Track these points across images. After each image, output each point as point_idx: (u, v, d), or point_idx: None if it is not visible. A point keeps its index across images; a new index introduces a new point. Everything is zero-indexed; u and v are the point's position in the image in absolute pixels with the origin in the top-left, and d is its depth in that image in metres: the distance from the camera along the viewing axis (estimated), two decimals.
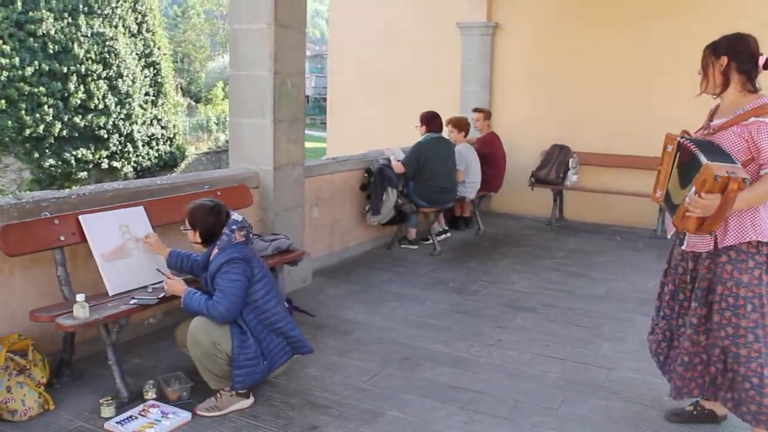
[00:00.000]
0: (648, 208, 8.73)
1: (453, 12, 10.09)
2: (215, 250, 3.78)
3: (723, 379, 3.31)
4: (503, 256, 7.36)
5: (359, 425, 3.58)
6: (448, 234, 8.18)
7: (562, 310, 5.58)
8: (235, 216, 3.84)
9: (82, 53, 22.93)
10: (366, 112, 11.23)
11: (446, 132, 8.04)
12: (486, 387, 4.08)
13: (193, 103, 38.42)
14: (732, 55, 3.19)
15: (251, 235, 3.88)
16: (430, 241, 7.48)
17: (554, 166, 9.06)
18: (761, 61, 3.17)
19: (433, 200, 7.36)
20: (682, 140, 3.19)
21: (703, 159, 2.97)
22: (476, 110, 9.03)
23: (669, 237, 3.54)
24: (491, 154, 8.76)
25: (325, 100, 12.69)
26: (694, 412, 3.68)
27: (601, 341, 4.89)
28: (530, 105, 9.71)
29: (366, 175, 7.18)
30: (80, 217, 3.97)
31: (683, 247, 3.35)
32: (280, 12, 5.36)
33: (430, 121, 7.43)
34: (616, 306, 5.70)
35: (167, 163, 27.13)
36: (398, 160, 7.25)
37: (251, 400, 3.76)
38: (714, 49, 3.25)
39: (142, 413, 3.57)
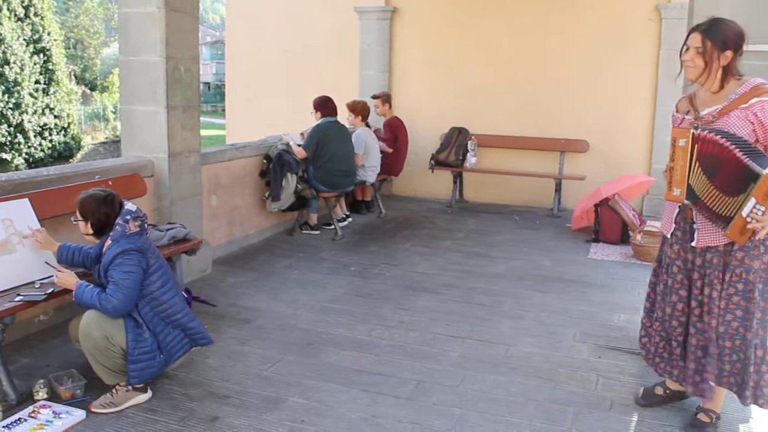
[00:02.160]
0: (545, 188, 9.00)
1: None
2: (108, 242, 3.66)
3: (727, 364, 3.30)
4: (405, 239, 7.43)
5: (261, 413, 3.55)
6: (350, 219, 8.20)
7: (463, 290, 5.68)
8: (129, 206, 3.72)
9: None
10: (265, 98, 11.10)
11: (344, 117, 8.03)
12: (388, 369, 4.12)
13: (89, 91, 37.17)
14: (736, 49, 3.13)
15: (146, 225, 3.77)
16: (332, 227, 7.47)
17: (453, 148, 9.20)
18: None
19: (333, 184, 7.34)
20: (698, 131, 3.09)
21: (759, 169, 2.92)
22: (374, 97, 9.05)
23: (669, 236, 3.47)
24: (395, 137, 8.82)
25: (225, 86, 12.43)
26: (664, 395, 3.71)
27: (500, 319, 5.01)
28: (429, 88, 9.81)
29: (265, 161, 7.10)
30: None
31: (694, 244, 3.29)
32: None
33: (324, 105, 7.42)
34: (515, 284, 5.85)
35: (62, 154, 26.16)
36: (298, 145, 7.20)
37: (149, 394, 3.67)
38: (722, 43, 3.11)
39: (32, 415, 3.42)
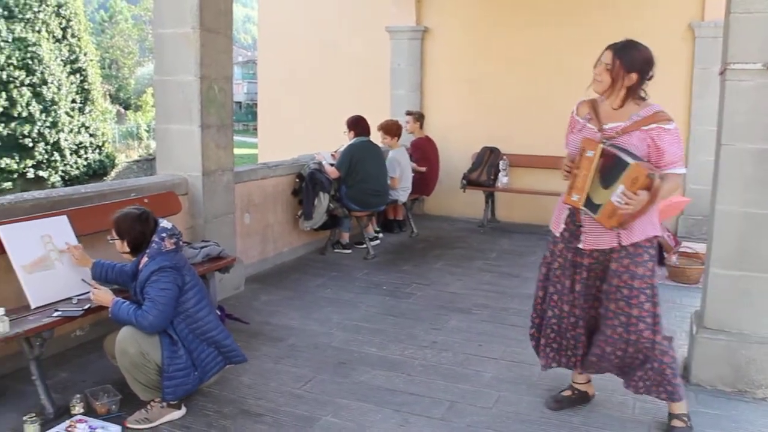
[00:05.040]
0: None
1: (382, 16, 10.11)
2: (145, 259, 3.70)
3: (631, 366, 3.52)
4: (437, 258, 7.41)
5: None
6: (381, 235, 8.21)
7: (496, 310, 5.64)
8: (164, 223, 3.77)
9: (2, 59, 22.22)
10: (297, 118, 11.17)
11: (378, 138, 8.06)
12: (421, 389, 4.10)
13: (123, 110, 37.76)
14: (641, 73, 3.36)
15: (181, 242, 3.81)
16: (364, 245, 7.48)
17: (485, 168, 9.17)
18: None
19: (365, 204, 7.36)
20: (606, 147, 3.31)
21: (629, 159, 3.19)
22: (408, 113, 9.09)
23: (557, 234, 3.65)
24: (424, 157, 8.83)
25: (257, 105, 12.56)
26: (573, 396, 3.91)
27: None
28: (460, 108, 9.81)
29: (297, 180, 7.14)
30: None
31: (582, 246, 3.50)
32: (206, 16, 5.29)
33: (357, 124, 7.46)
34: None
35: (96, 172, 26.55)
36: (330, 164, 7.24)
37: (183, 410, 3.69)
38: (629, 65, 3.33)
39: (69, 429, 3.46)
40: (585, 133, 3.50)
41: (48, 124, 24.34)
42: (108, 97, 33.57)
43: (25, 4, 23.82)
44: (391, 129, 8.20)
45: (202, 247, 4.97)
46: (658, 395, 3.51)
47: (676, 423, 3.54)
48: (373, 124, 7.91)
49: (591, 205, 3.38)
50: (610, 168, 3.27)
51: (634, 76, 3.33)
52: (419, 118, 9.12)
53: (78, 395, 3.69)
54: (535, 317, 3.89)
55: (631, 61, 3.33)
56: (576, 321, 3.63)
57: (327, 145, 8.06)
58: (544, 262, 3.77)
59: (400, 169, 8.02)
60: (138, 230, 3.71)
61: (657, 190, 3.20)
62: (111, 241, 3.79)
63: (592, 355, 3.57)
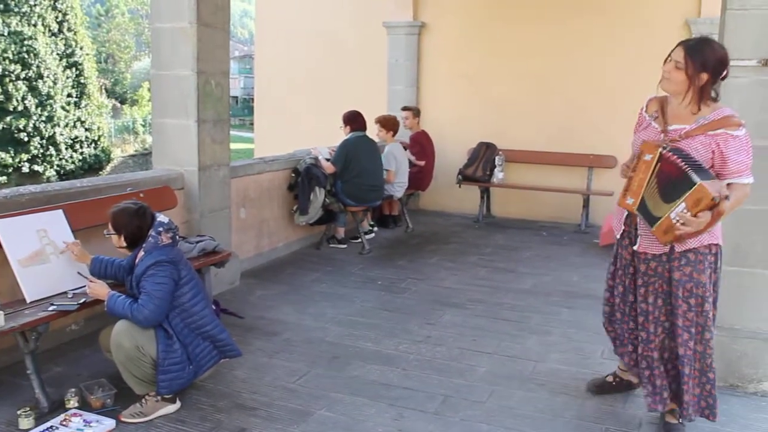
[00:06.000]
0: (572, 203, 8.94)
1: (379, 11, 10.11)
2: (141, 253, 3.71)
3: (684, 379, 3.38)
4: (432, 253, 7.42)
5: (288, 425, 3.56)
6: (375, 229, 8.24)
7: (490, 305, 5.66)
8: (161, 218, 3.77)
9: None
10: (294, 113, 11.17)
11: (374, 131, 8.07)
12: (415, 383, 4.12)
13: (119, 105, 37.68)
14: (713, 74, 3.19)
15: (177, 237, 3.82)
16: (359, 240, 7.49)
17: (481, 163, 9.18)
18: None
19: (361, 199, 7.37)
20: (665, 152, 3.20)
21: (696, 178, 3.03)
22: (405, 109, 9.11)
23: (617, 238, 3.61)
24: (422, 152, 8.84)
25: (254, 100, 12.55)
26: (613, 383, 3.92)
27: (527, 335, 4.98)
28: (457, 103, 9.81)
29: (293, 174, 7.14)
30: None
31: (636, 248, 3.43)
32: (203, 10, 5.29)
33: (353, 120, 7.46)
34: (542, 300, 5.82)
35: (92, 166, 26.53)
36: (326, 160, 7.24)
37: (177, 404, 3.70)
38: (702, 65, 3.16)
39: (64, 423, 3.47)
40: (648, 132, 3.41)
41: (43, 118, 24.29)
42: (104, 91, 33.45)
43: None
44: (389, 123, 8.21)
45: (197, 242, 4.97)
46: (701, 413, 3.42)
47: (670, 419, 3.54)
48: (370, 119, 7.91)
49: (649, 215, 3.29)
50: (675, 181, 3.13)
51: (704, 76, 3.17)
52: (417, 113, 9.14)
53: (73, 389, 3.71)
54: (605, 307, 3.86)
55: (703, 61, 3.16)
56: (627, 316, 3.63)
57: (324, 140, 8.07)
58: (612, 276, 3.73)
59: (396, 164, 8.03)
60: (135, 225, 3.72)
61: (720, 213, 3.06)
62: (108, 236, 3.80)
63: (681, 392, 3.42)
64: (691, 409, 3.38)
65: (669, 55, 3.28)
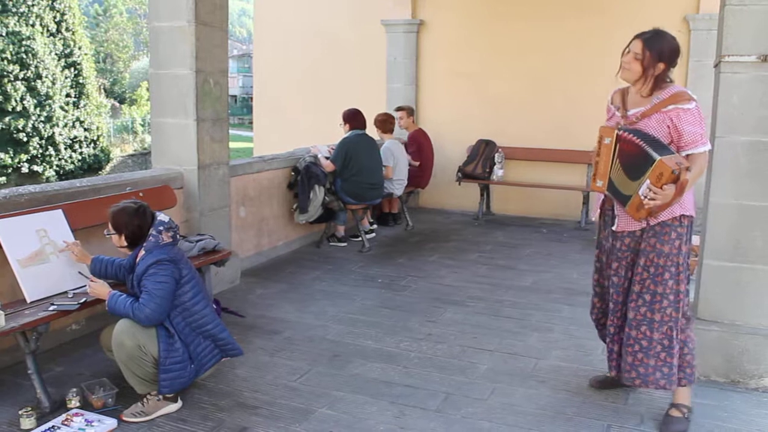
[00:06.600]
0: (572, 200, 8.94)
1: (378, 9, 10.11)
2: (142, 252, 3.71)
3: (629, 341, 3.53)
4: (432, 251, 7.42)
5: (290, 424, 3.56)
6: (375, 227, 8.24)
7: (490, 302, 5.66)
8: (162, 217, 3.77)
9: None
10: (293, 111, 11.16)
11: (374, 132, 8.07)
12: (416, 381, 4.11)
13: (118, 105, 37.67)
14: (669, 63, 3.40)
15: (178, 236, 3.82)
16: (359, 238, 7.49)
17: (480, 160, 9.18)
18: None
19: (360, 197, 7.36)
20: (621, 132, 3.40)
21: (654, 155, 3.24)
22: (398, 109, 9.09)
23: (593, 220, 3.76)
24: (420, 150, 8.84)
25: (253, 99, 12.55)
26: (616, 379, 3.90)
27: (528, 332, 4.98)
28: (456, 101, 9.81)
29: (293, 173, 7.14)
30: None
31: (614, 228, 3.57)
32: (201, 9, 5.29)
33: (353, 118, 7.45)
34: (543, 297, 5.82)
35: (91, 166, 26.53)
36: (326, 158, 7.24)
37: (179, 403, 3.70)
38: (659, 55, 3.36)
39: (65, 423, 3.47)
40: (614, 121, 3.60)
41: (42, 118, 24.28)
42: (103, 91, 33.48)
43: None
44: (384, 124, 8.23)
45: (197, 241, 4.97)
46: (657, 384, 3.50)
47: (674, 413, 3.56)
48: (369, 117, 7.91)
49: (620, 194, 3.47)
50: (636, 159, 3.33)
51: (661, 65, 3.38)
52: (411, 112, 9.14)
53: (74, 389, 3.70)
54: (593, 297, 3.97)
55: (659, 52, 3.37)
56: (608, 307, 3.73)
57: (323, 138, 8.07)
58: (597, 258, 3.86)
59: (394, 160, 8.03)
60: (135, 224, 3.71)
61: (684, 184, 3.23)
62: (108, 236, 3.80)
63: (624, 354, 3.56)
64: (638, 377, 3.49)
65: (627, 47, 3.46)
